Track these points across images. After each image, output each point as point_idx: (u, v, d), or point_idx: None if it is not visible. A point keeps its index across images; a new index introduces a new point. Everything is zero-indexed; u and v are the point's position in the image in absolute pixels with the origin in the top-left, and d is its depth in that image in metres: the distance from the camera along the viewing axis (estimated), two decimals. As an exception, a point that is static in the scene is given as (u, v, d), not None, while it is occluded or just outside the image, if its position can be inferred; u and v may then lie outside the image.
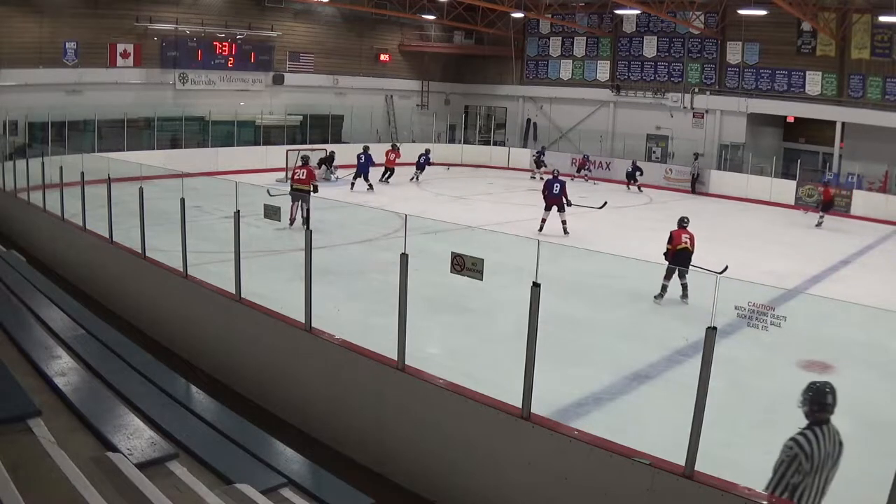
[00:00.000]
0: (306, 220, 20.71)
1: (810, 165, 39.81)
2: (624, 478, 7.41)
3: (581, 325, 15.22)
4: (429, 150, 37.59)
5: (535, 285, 7.83)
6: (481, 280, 8.27)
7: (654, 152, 44.60)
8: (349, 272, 18.28)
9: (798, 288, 19.45)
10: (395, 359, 9.34)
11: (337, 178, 34.57)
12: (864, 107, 37.94)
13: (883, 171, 37.43)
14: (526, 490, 8.18)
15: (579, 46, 47.76)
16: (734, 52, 41.99)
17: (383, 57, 47.61)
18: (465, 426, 8.72)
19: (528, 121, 49.49)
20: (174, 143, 36.57)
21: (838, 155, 39.07)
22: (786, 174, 38.97)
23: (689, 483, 6.96)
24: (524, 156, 46.09)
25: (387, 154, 34.29)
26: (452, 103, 51.14)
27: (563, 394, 11.11)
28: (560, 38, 48.49)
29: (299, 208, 23.01)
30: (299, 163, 24.65)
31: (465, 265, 8.35)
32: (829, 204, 32.36)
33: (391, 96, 47.90)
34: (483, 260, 8.26)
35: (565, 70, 48.43)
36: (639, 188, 38.46)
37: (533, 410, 8.14)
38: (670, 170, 42.09)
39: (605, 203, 24.66)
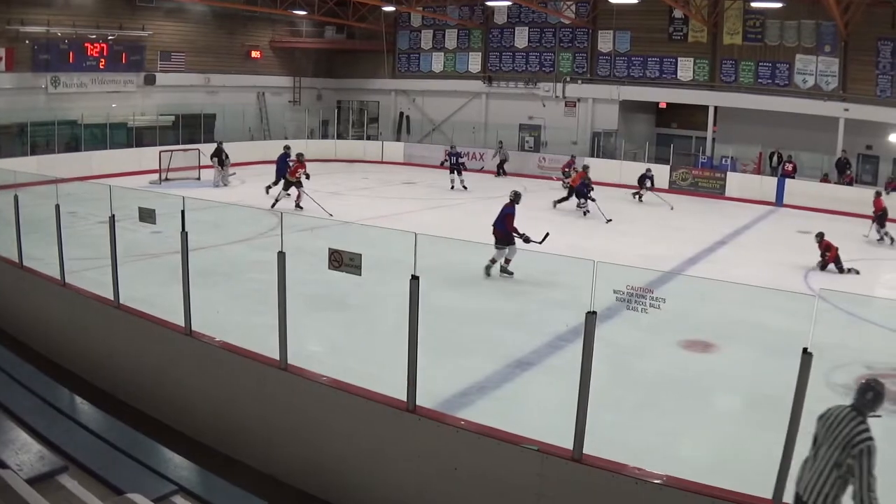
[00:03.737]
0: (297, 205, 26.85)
1: (684, 150, 40.71)
2: (513, 465, 7.54)
3: (462, 315, 15.37)
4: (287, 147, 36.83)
5: (414, 278, 7.90)
6: (360, 275, 8.29)
7: (527, 142, 45.01)
8: (228, 273, 18.18)
9: (676, 270, 19.93)
10: (278, 358, 9.31)
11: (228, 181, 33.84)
12: (737, 91, 38.93)
13: (756, 152, 38.51)
14: (417, 482, 8.27)
15: (451, 39, 47.98)
16: (606, 41, 42.77)
17: (255, 54, 46.94)
18: (351, 423, 8.76)
19: (401, 114, 49.49)
20: (48, 148, 35.60)
21: (711, 139, 40.06)
22: (660, 159, 39.61)
23: (578, 466, 7.12)
24: (398, 149, 46.12)
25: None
26: (325, 98, 50.82)
27: (448, 385, 11.24)
28: (431, 31, 48.61)
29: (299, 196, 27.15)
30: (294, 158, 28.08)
31: (342, 261, 8.35)
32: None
33: (263, 93, 47.37)
34: (361, 255, 8.28)
35: (437, 63, 48.59)
36: (639, 196, 35.42)
37: (418, 403, 8.21)
38: (544, 158, 42.49)
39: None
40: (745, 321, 14.95)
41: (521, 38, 45.35)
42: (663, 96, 41.45)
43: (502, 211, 19.40)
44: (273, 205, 26.86)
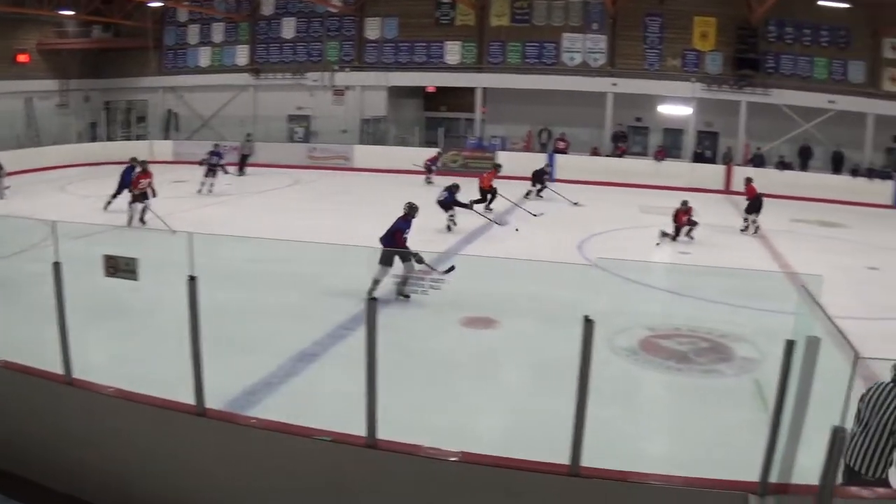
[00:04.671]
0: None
1: (454, 132, 41.41)
2: (308, 458, 7.56)
3: (244, 312, 15.27)
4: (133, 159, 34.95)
5: (191, 278, 7.85)
6: (137, 280, 8.16)
7: (297, 133, 44.96)
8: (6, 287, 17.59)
9: (452, 250, 20.26)
10: (62, 373, 9.09)
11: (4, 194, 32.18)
12: (505, 72, 39.76)
13: (525, 131, 39.45)
14: (215, 486, 8.20)
15: (218, 32, 47.44)
16: (373, 28, 43.30)
17: (22, 58, 45.28)
18: (141, 432, 8.55)
19: (170, 111, 48.60)
20: None
21: (480, 120, 40.83)
22: (430, 143, 40.38)
23: (372, 452, 7.17)
24: (167, 148, 45.25)
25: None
26: (93, 100, 49.39)
27: (236, 384, 11.22)
28: (198, 26, 47.90)
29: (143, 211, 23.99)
30: (139, 169, 24.80)
31: (118, 267, 8.16)
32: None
33: (31, 99, 45.78)
34: (137, 259, 8.13)
35: (204, 57, 47.95)
36: (537, 192, 33.58)
37: (207, 405, 8.15)
38: (314, 148, 42.45)
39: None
40: (527, 295, 15.36)
41: (289, 28, 45.39)
42: (432, 80, 42.35)
43: (393, 225, 17.00)
44: (106, 206, 26.26)
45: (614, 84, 39.87)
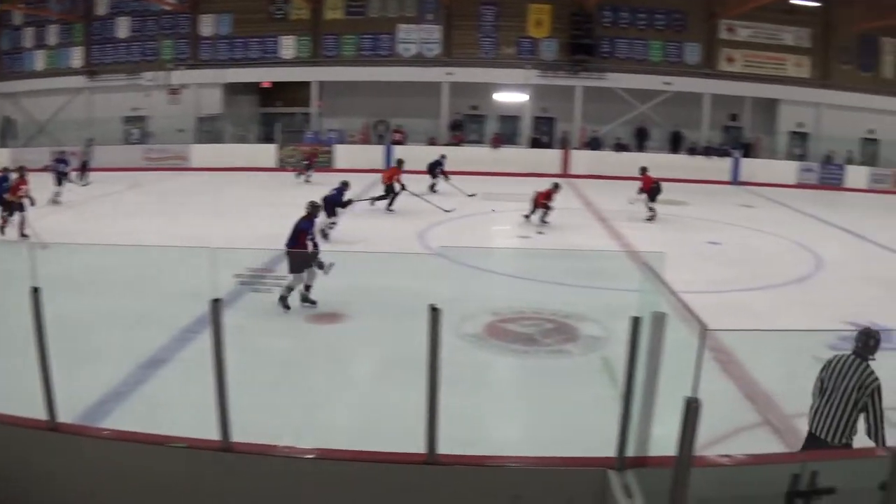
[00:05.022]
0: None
1: (290, 127, 41.18)
2: (163, 465, 7.40)
3: (91, 321, 14.90)
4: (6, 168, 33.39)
5: (35, 290, 7.62)
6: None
7: (133, 134, 43.97)
8: None
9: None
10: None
11: None
12: (340, 65, 39.70)
13: (361, 123, 39.56)
14: (70, 502, 7.99)
15: (53, 34, 45.90)
16: (207, 25, 42.68)
17: None
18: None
19: (6, 118, 47.17)
20: None
21: (317, 114, 40.69)
22: (267, 139, 40.05)
23: (227, 456, 7.06)
24: (3, 156, 43.69)
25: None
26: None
27: (85, 396, 10.91)
28: (33, 29, 46.27)
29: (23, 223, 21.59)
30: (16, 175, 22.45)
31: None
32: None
33: None
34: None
35: (40, 61, 46.33)
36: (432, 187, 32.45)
37: (60, 419, 7.93)
38: (151, 150, 41.75)
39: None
40: (371, 287, 15.44)
41: (124, 28, 44.37)
42: (267, 76, 42.10)
43: (296, 226, 15.89)
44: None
45: (450, 73, 40.22)
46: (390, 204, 27.87)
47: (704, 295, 15.97)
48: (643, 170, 28.43)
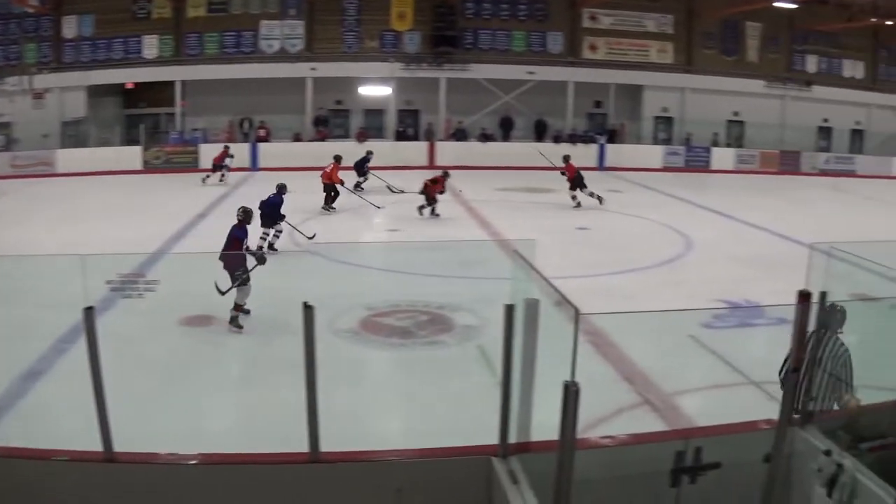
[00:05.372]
0: None
1: (155, 128, 40.69)
2: (46, 480, 7.23)
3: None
4: None
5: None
6: None
7: (-2, 141, 42.69)
8: None
9: (162, 249, 19.76)
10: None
11: None
12: (203, 63, 39.24)
13: (226, 121, 39.23)
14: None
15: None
16: (70, 27, 41.47)
17: None
18: None
19: None
20: None
21: (181, 114, 40.14)
22: (132, 141, 39.41)
23: (111, 466, 6.95)
24: None
25: None
26: None
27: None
28: None
29: None
30: None
31: None
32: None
33: None
34: None
35: None
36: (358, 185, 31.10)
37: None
38: (16, 157, 40.63)
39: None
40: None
41: (-15, 32, 42.95)
42: (130, 76, 41.18)
43: (230, 235, 15.09)
44: None
45: (313, 69, 39.97)
46: (332, 203, 27.33)
47: (576, 280, 16.14)
48: (566, 158, 29.14)
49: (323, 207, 26.93)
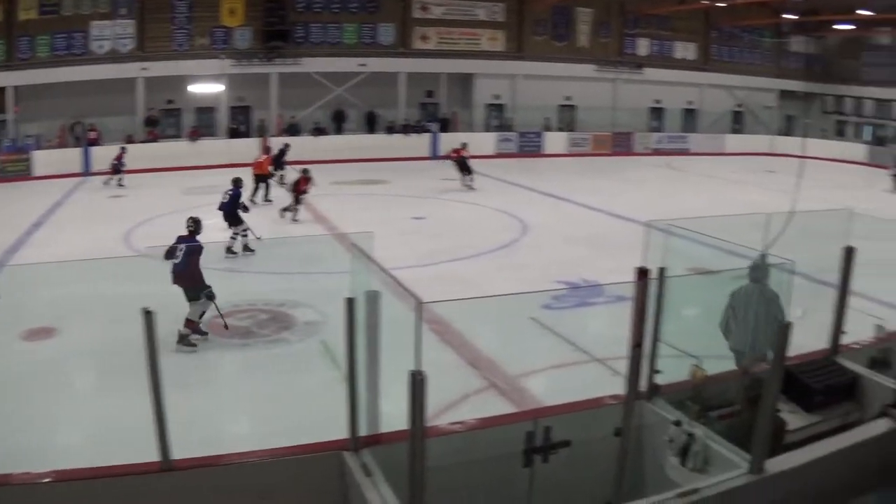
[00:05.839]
0: None
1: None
2: None
3: None
4: None
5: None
6: None
7: None
8: None
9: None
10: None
11: None
12: (35, 67, 38.09)
13: (59, 126, 38.27)
14: None
15: None
16: None
17: None
18: None
19: None
20: None
21: (14, 120, 38.86)
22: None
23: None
24: None
25: None
26: None
27: None
28: None
29: None
30: None
31: None
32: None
33: None
34: None
35: None
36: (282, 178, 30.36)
37: None
38: None
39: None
40: (84, 296, 14.76)
41: None
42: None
43: (186, 250, 13.67)
44: None
45: (144, 69, 39.12)
46: (267, 195, 27.31)
47: (416, 269, 16.32)
48: (462, 145, 31.52)
49: (266, 200, 27.17)
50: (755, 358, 9.06)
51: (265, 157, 28.43)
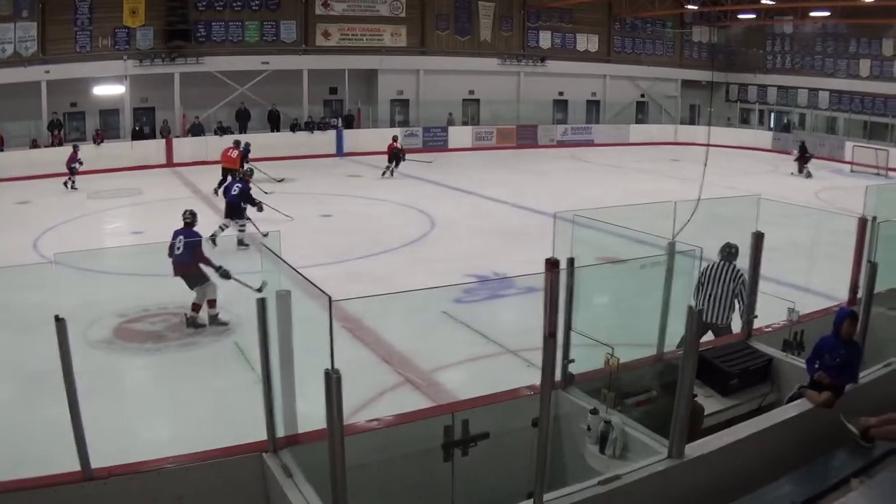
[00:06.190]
0: None
1: None
2: None
3: None
4: None
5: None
6: None
7: None
8: None
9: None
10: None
11: None
12: None
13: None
14: None
15: None
16: None
17: None
18: None
19: None
20: None
21: None
22: None
23: None
24: None
25: None
26: None
27: None
28: None
29: None
30: None
31: None
32: None
33: None
34: None
35: None
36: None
37: None
38: None
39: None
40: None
41: None
42: None
43: (185, 243, 14.17)
44: None
45: (47, 72, 38.41)
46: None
47: (325, 267, 16.35)
48: (394, 138, 33.14)
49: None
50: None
51: (236, 151, 28.45)
